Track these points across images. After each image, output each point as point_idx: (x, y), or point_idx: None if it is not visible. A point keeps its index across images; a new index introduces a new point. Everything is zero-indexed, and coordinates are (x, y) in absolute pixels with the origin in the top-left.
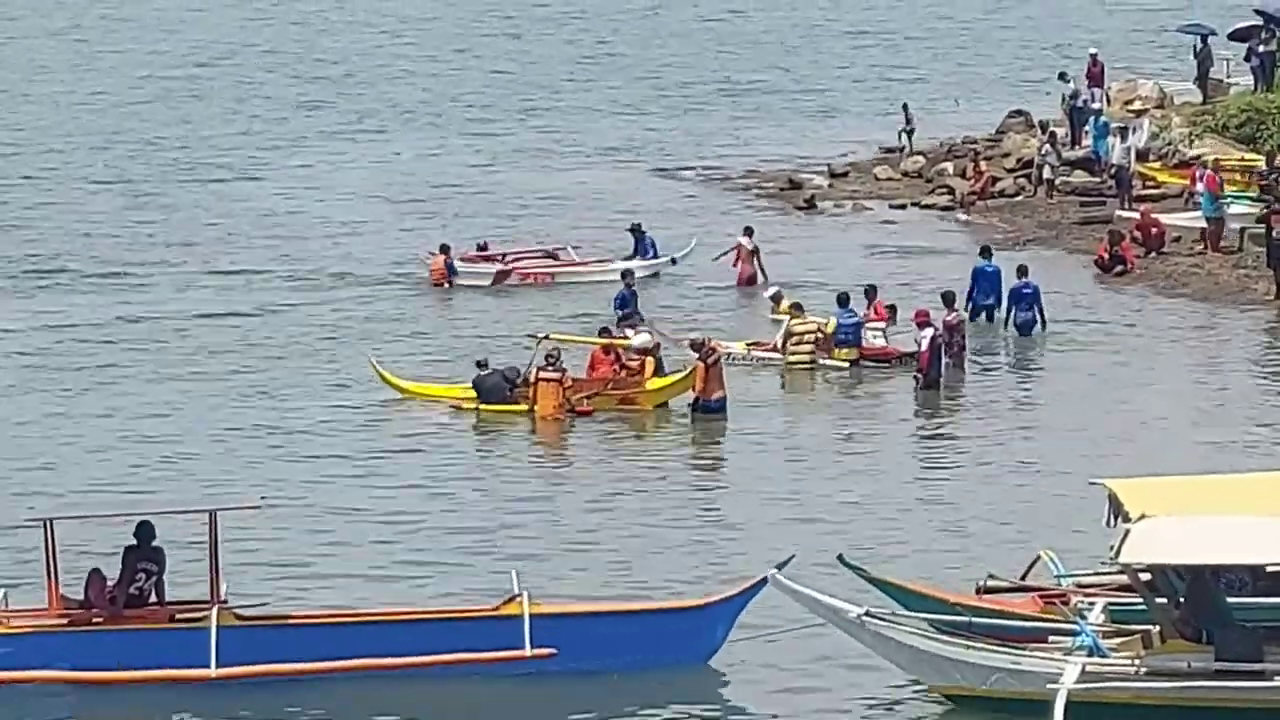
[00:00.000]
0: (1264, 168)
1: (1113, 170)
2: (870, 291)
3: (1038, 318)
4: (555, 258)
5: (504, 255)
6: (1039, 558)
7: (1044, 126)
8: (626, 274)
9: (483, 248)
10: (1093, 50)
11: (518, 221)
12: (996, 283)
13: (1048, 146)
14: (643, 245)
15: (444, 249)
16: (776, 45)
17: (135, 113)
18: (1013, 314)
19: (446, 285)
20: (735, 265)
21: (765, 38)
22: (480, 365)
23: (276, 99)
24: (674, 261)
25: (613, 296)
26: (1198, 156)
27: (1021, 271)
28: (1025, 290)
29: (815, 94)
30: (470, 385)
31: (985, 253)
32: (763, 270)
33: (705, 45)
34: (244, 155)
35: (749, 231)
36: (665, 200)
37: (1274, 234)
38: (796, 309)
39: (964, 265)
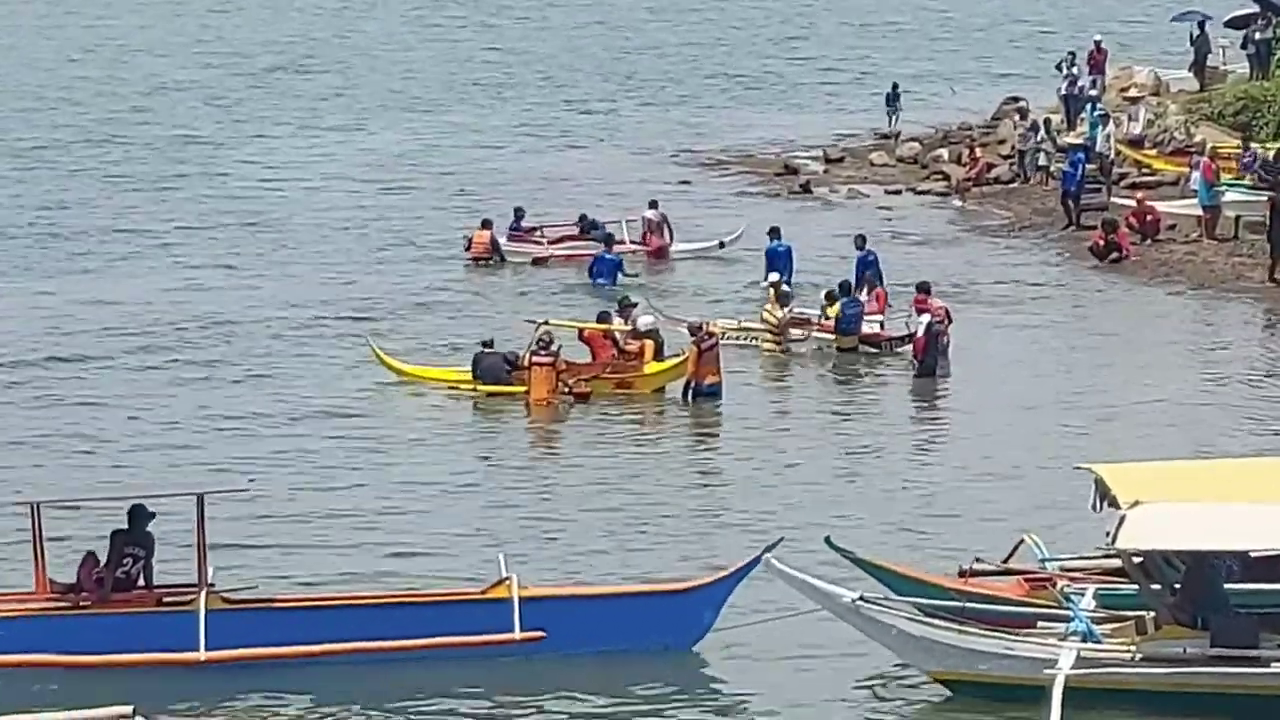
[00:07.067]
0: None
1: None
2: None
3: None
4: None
5: (541, 231)
6: (1022, 541)
7: (1024, 114)
8: (608, 239)
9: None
10: (1097, 37)
11: (519, 204)
12: (788, 261)
13: (1043, 133)
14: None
15: (486, 224)
16: (774, 33)
17: (129, 106)
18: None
19: (497, 261)
20: (644, 240)
21: (762, 25)
22: (486, 345)
23: (267, 89)
24: (722, 245)
25: (592, 264)
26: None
27: (861, 241)
28: (869, 259)
29: (812, 80)
30: (470, 366)
31: (774, 233)
32: (673, 237)
33: (699, 32)
34: (241, 144)
35: (654, 204)
36: (659, 185)
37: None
38: (782, 298)
39: (961, 251)
